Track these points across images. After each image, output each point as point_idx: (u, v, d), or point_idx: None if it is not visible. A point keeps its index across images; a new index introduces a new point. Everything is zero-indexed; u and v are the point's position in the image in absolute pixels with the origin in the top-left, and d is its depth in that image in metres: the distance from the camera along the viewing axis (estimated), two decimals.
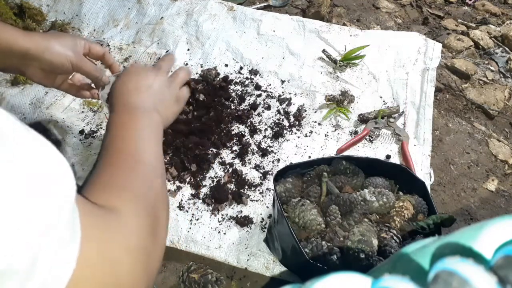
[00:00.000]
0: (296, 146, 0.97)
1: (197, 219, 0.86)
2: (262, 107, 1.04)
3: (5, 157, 0.25)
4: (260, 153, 0.95)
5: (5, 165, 0.25)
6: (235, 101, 1.05)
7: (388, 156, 0.95)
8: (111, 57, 0.78)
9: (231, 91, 1.07)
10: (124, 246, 0.38)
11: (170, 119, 0.67)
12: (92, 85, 0.80)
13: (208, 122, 0.97)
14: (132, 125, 0.55)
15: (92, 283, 0.33)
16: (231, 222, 0.85)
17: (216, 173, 0.92)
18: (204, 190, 0.89)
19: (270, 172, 0.92)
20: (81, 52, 0.71)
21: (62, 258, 0.29)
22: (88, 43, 0.73)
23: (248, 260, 0.80)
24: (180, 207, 0.87)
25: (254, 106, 1.03)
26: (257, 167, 0.93)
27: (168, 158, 0.93)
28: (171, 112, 0.67)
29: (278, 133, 0.98)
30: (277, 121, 1.01)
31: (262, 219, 0.85)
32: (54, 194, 0.28)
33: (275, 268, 0.79)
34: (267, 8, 1.33)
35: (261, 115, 1.02)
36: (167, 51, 1.16)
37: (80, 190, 0.41)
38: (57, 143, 0.97)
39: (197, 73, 1.11)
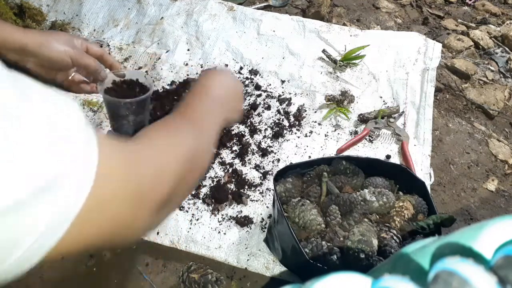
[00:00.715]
0: (296, 146, 0.97)
1: (197, 219, 0.86)
2: (262, 107, 1.04)
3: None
4: (260, 153, 0.95)
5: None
6: None
7: (388, 156, 0.95)
8: (111, 57, 0.79)
9: None
10: (147, 174, 0.38)
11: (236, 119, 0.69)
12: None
13: None
14: (201, 107, 0.57)
15: (112, 198, 0.32)
16: (231, 222, 0.85)
17: (216, 173, 0.92)
18: (204, 190, 0.89)
19: (270, 172, 0.92)
20: (79, 47, 0.71)
21: (79, 179, 0.29)
22: (86, 43, 0.73)
23: (248, 260, 0.80)
24: (180, 207, 0.87)
25: (254, 106, 1.03)
26: (257, 167, 0.93)
27: None
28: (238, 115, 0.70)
29: (278, 133, 0.98)
30: (277, 121, 1.01)
31: (262, 219, 0.85)
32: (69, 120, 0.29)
33: (275, 268, 0.79)
34: (267, 8, 1.33)
35: (261, 115, 1.02)
36: (167, 51, 1.16)
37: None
38: None
39: (197, 73, 1.11)
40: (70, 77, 0.79)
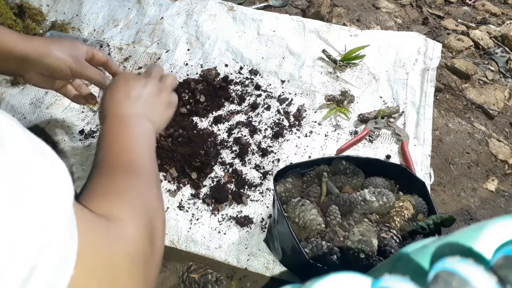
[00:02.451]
0: (296, 146, 0.97)
1: (197, 219, 0.86)
2: (262, 107, 1.04)
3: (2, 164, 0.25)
4: (260, 153, 0.95)
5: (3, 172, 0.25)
6: (235, 101, 1.05)
7: (388, 156, 0.95)
8: (114, 64, 0.78)
9: (231, 91, 1.07)
10: (122, 253, 0.38)
11: (162, 125, 0.67)
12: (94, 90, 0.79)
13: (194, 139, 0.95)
14: (124, 135, 0.55)
15: (88, 282, 0.33)
16: (231, 222, 0.85)
17: (216, 173, 0.92)
18: (204, 190, 0.89)
19: (270, 172, 0.92)
20: (82, 58, 0.70)
21: (60, 263, 0.29)
22: (91, 50, 0.72)
23: (248, 260, 0.80)
24: (180, 207, 0.87)
25: (254, 106, 1.03)
26: (257, 167, 0.93)
27: (167, 160, 0.92)
28: (163, 118, 0.67)
29: (278, 133, 0.98)
30: (277, 121, 1.01)
31: (262, 219, 0.85)
32: (52, 203, 0.29)
33: (275, 268, 0.79)
34: (267, 8, 1.33)
35: (261, 115, 1.02)
36: (167, 51, 1.16)
37: (77, 197, 0.41)
38: (57, 143, 0.97)
39: (197, 73, 1.11)
40: (68, 85, 0.78)
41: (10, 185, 0.25)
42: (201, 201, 0.88)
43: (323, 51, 1.13)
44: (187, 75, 1.11)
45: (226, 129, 1.00)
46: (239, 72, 1.12)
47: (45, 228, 0.27)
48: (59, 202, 0.29)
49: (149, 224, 0.45)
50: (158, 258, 0.47)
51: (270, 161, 0.94)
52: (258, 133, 0.99)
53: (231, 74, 1.11)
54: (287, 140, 0.98)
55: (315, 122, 1.01)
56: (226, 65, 1.13)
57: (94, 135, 0.99)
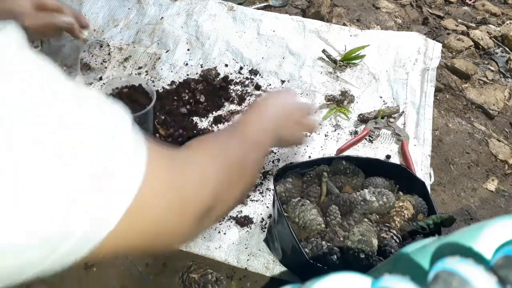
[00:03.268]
0: (296, 146, 0.97)
1: None
2: None
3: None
4: None
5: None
6: (235, 101, 1.05)
7: (388, 156, 0.95)
8: (67, 9, 0.82)
9: (231, 91, 1.07)
10: (194, 182, 0.38)
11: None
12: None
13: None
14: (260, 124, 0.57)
15: (156, 203, 0.33)
16: (231, 222, 0.85)
17: None
18: None
19: (270, 172, 0.92)
20: (30, 10, 0.75)
21: (128, 172, 0.30)
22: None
23: (248, 260, 0.80)
24: None
25: None
26: None
27: None
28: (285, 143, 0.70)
29: None
30: None
31: (262, 219, 0.85)
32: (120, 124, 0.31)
33: (275, 268, 0.79)
34: (267, 8, 1.33)
35: None
36: (167, 51, 1.16)
37: None
38: None
39: (197, 73, 1.11)
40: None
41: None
42: None
43: (323, 51, 1.13)
44: (187, 75, 1.11)
45: None
46: (239, 72, 1.12)
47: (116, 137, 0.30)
48: (126, 124, 0.32)
49: (229, 170, 0.45)
50: (232, 203, 0.48)
51: (270, 161, 0.94)
52: None
53: (231, 74, 1.11)
54: None
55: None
56: (226, 65, 1.13)
57: None
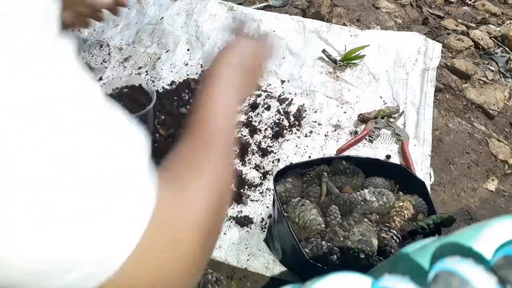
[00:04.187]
0: (296, 146, 0.97)
1: None
2: (262, 107, 1.04)
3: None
4: (260, 153, 0.95)
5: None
6: None
7: (388, 156, 0.95)
8: None
9: None
10: (188, 221, 0.38)
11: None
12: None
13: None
14: (219, 101, 0.55)
15: (155, 250, 0.33)
16: (231, 222, 0.85)
17: None
18: None
19: (270, 172, 0.92)
20: None
21: (135, 217, 0.30)
22: None
23: (248, 260, 0.80)
24: None
25: (254, 106, 1.03)
26: (257, 167, 0.93)
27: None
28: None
29: (278, 133, 0.98)
30: (277, 121, 1.01)
31: (262, 219, 0.85)
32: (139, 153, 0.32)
33: (275, 268, 0.79)
34: (267, 8, 1.33)
35: (261, 115, 1.02)
36: (167, 51, 1.16)
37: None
38: None
39: (197, 73, 1.11)
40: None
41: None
42: None
43: (323, 51, 1.13)
44: (187, 75, 1.11)
45: None
46: None
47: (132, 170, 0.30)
48: (143, 154, 0.32)
49: (219, 196, 0.45)
50: (219, 229, 0.47)
51: (270, 161, 0.94)
52: (258, 133, 0.99)
53: None
54: (287, 140, 0.98)
55: (315, 122, 1.01)
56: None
57: None
